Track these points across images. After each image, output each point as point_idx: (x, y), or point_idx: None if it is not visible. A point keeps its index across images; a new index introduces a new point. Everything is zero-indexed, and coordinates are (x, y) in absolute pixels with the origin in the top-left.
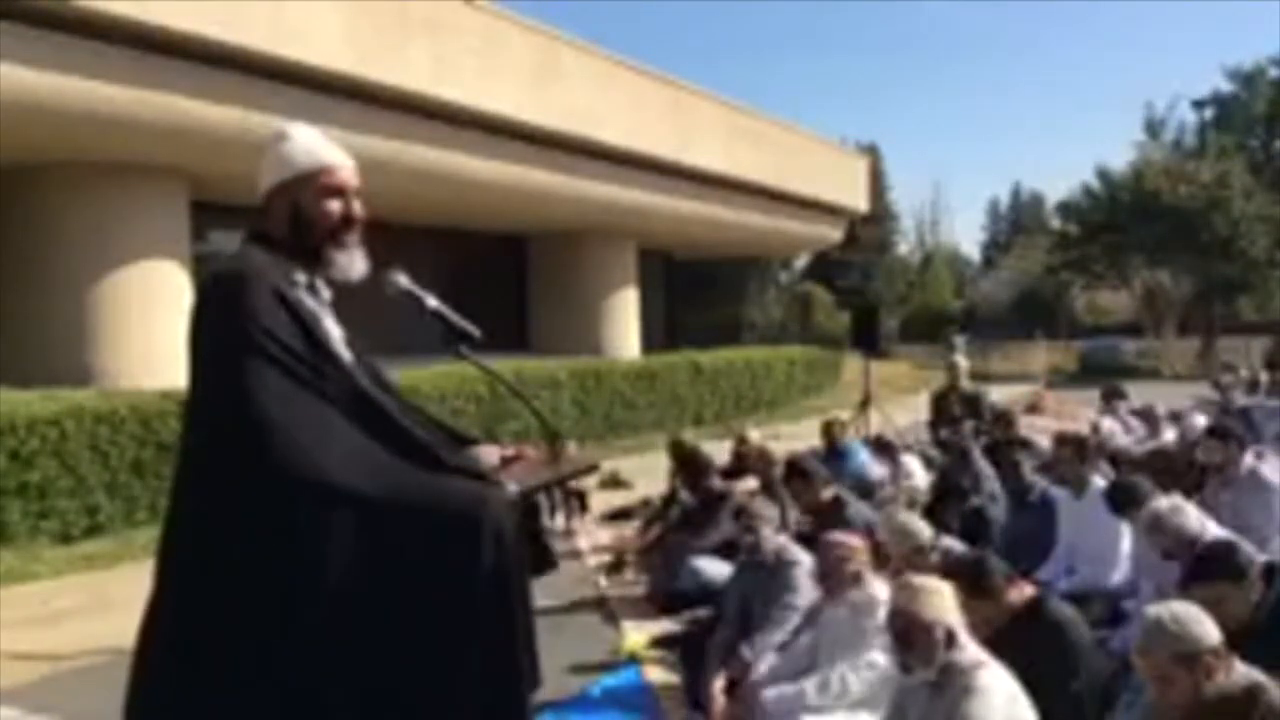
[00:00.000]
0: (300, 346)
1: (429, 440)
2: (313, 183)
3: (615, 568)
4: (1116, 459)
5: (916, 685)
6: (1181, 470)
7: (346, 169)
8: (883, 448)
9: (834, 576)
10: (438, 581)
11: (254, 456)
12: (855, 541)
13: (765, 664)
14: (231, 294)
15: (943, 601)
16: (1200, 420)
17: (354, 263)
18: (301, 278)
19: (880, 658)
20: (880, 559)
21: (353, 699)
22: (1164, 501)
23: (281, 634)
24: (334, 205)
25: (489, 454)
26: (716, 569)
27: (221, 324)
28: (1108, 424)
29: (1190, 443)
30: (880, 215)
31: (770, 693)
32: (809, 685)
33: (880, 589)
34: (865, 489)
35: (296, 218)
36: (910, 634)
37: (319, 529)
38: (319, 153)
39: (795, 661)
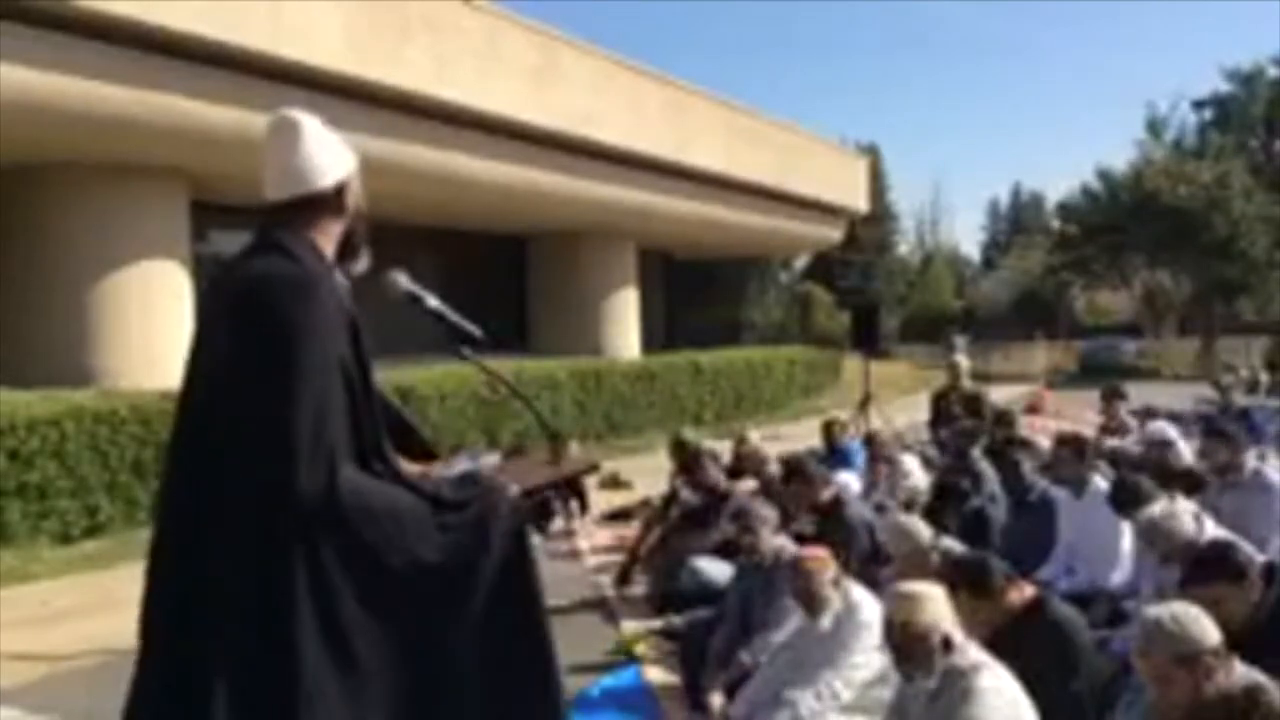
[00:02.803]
0: (353, 366)
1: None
2: (358, 179)
3: (624, 576)
4: (1116, 459)
5: (917, 689)
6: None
7: None
8: (875, 446)
9: (814, 594)
10: (452, 593)
11: (296, 472)
12: (822, 553)
13: (759, 676)
14: (299, 301)
15: (936, 607)
16: (1165, 427)
17: (365, 258)
18: (342, 280)
19: (865, 660)
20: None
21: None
22: (1158, 506)
23: (289, 644)
24: (364, 204)
25: (489, 459)
26: (716, 569)
27: (286, 332)
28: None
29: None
30: (880, 215)
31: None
32: (799, 699)
33: (858, 592)
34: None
35: (359, 212)
36: (907, 644)
37: (343, 549)
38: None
39: (780, 678)
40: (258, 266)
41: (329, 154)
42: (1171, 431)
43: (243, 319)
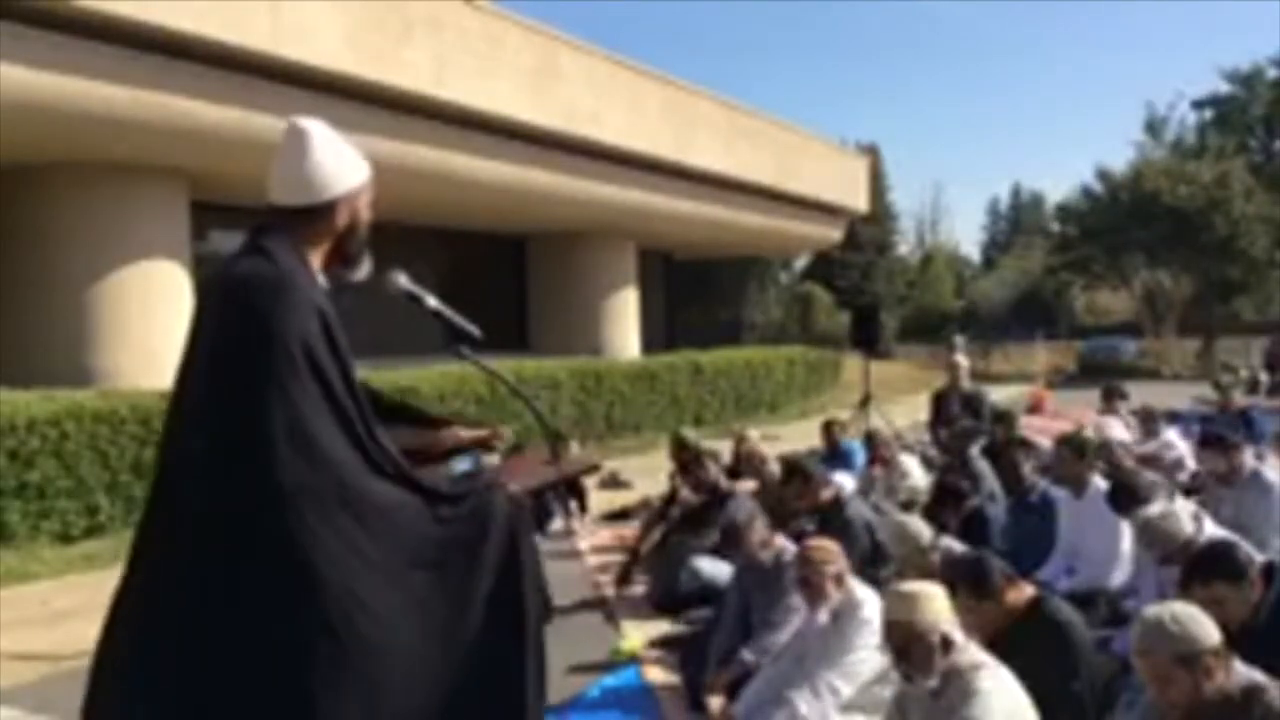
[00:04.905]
0: (329, 363)
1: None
2: (368, 190)
3: (624, 576)
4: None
5: (918, 689)
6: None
7: None
8: (875, 445)
9: (815, 585)
10: (449, 583)
11: (270, 464)
12: (831, 545)
13: (761, 676)
14: (273, 302)
15: (936, 607)
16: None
17: (367, 263)
18: (323, 281)
19: (866, 657)
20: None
21: (362, 704)
22: (1155, 508)
23: (282, 641)
24: (370, 211)
25: (473, 432)
26: (716, 569)
27: (259, 332)
28: (1110, 421)
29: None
30: (880, 215)
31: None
32: (798, 697)
33: (861, 590)
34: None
35: (354, 225)
36: (907, 644)
37: (332, 539)
38: (364, 160)
39: (781, 678)
40: (236, 268)
41: (332, 170)
42: (1172, 434)
43: (221, 320)
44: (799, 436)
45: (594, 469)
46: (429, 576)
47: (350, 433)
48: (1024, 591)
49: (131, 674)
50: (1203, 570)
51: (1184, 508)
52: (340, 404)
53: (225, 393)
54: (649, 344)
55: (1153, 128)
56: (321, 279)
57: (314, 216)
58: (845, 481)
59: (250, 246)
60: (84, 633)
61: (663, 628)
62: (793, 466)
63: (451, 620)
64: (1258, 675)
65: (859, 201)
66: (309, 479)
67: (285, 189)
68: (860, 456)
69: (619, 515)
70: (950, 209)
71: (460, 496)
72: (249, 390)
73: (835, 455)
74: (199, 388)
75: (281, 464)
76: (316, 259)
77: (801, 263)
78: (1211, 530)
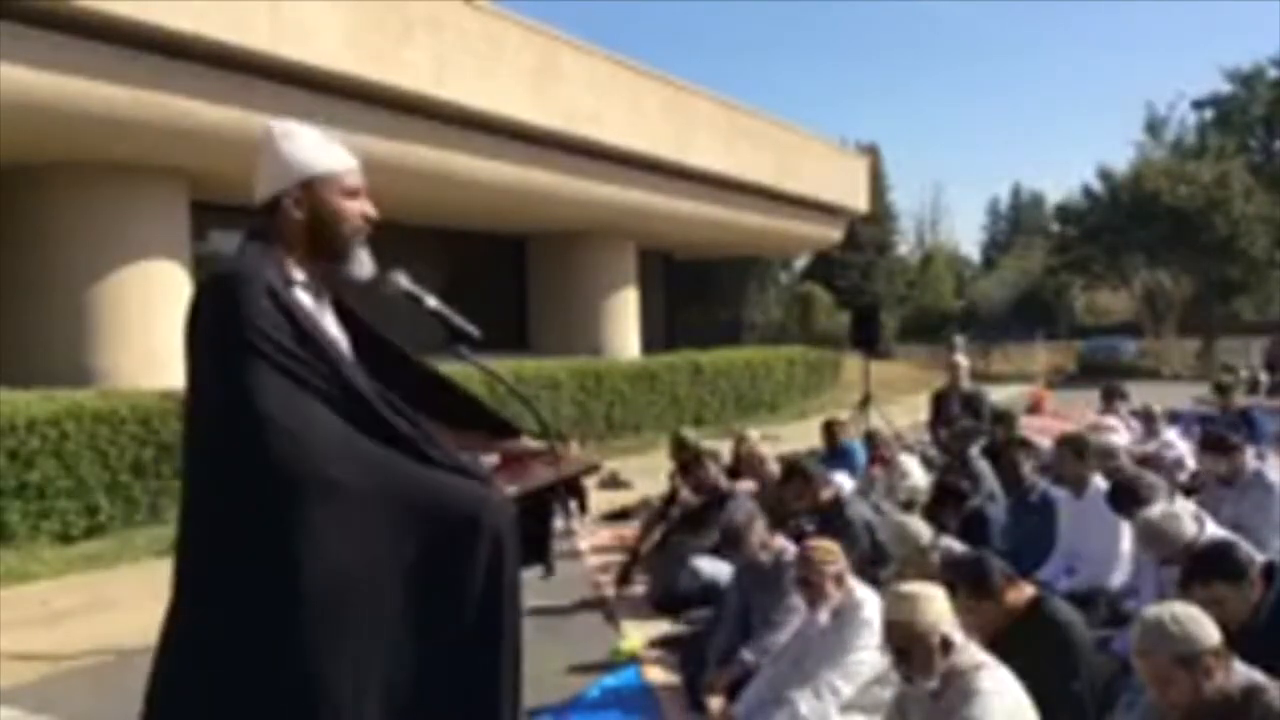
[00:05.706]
0: (295, 346)
1: (429, 440)
2: (338, 183)
3: (624, 576)
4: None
5: (918, 690)
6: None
7: (357, 169)
8: (875, 445)
9: (815, 585)
10: (430, 582)
11: (251, 455)
12: (831, 545)
13: (761, 676)
14: (227, 295)
15: (936, 607)
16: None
17: (367, 262)
18: (301, 275)
19: (866, 657)
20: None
21: (345, 694)
22: (1157, 508)
23: (279, 632)
24: (358, 205)
25: (494, 449)
26: (716, 569)
27: (217, 325)
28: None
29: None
30: (880, 215)
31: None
32: (799, 697)
33: (862, 590)
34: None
35: (319, 218)
36: (907, 645)
37: (317, 527)
38: (339, 153)
39: (781, 678)
40: (210, 268)
41: (281, 164)
42: (1172, 434)
43: (193, 319)
44: (799, 436)
45: (594, 469)
46: (415, 555)
47: (332, 403)
48: (1024, 591)
49: (168, 668)
50: (1203, 570)
51: (1185, 508)
52: (315, 375)
53: (201, 390)
54: (649, 344)
55: (1153, 128)
56: (298, 273)
57: (270, 211)
58: (845, 481)
59: (237, 248)
60: (84, 633)
61: (663, 628)
62: (793, 466)
63: (434, 607)
64: (1258, 675)
65: (859, 201)
66: (290, 464)
67: (255, 188)
68: (860, 456)
69: (619, 515)
70: (950, 209)
71: (463, 469)
72: (217, 383)
73: (835, 455)
74: (187, 390)
75: (262, 451)
76: (292, 254)
77: (801, 263)
78: (1212, 530)
